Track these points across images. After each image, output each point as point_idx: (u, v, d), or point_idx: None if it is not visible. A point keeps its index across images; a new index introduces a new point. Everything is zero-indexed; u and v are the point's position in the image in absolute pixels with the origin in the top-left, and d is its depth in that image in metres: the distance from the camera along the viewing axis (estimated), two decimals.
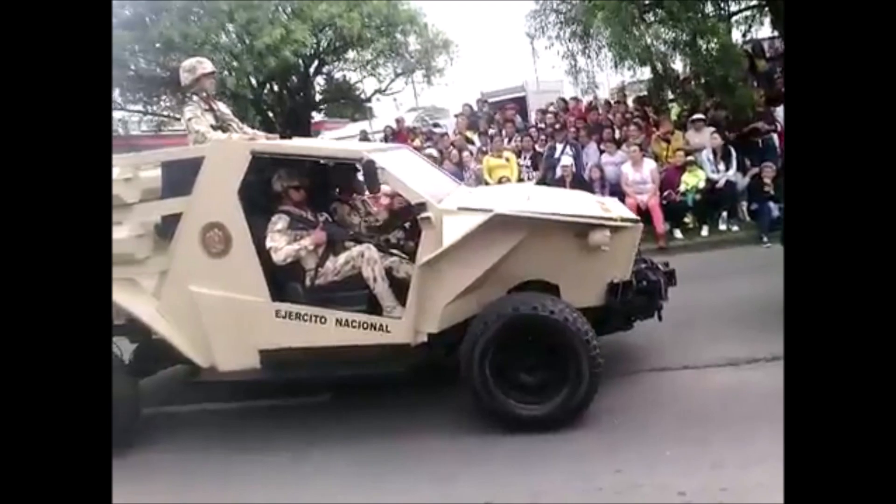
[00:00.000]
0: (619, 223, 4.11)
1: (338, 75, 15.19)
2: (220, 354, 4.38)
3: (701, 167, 9.44)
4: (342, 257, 4.38)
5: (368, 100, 15.27)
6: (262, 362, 4.36)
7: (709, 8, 9.85)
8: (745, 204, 9.43)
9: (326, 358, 4.30)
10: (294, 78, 14.18)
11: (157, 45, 13.26)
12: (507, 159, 10.34)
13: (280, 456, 4.25)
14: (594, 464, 3.64)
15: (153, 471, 4.29)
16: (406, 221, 4.72)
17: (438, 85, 14.58)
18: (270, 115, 14.53)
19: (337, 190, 5.11)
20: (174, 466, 4.32)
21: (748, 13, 10.73)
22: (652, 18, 9.93)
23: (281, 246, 4.31)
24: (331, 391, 5.01)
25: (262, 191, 4.52)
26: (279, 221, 4.37)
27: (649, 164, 9.58)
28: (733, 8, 10.47)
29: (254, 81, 14.18)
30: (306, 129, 14.39)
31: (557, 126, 11.11)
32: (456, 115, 12.45)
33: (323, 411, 4.87)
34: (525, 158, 10.64)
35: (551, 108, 12.23)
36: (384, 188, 4.66)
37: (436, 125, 13.27)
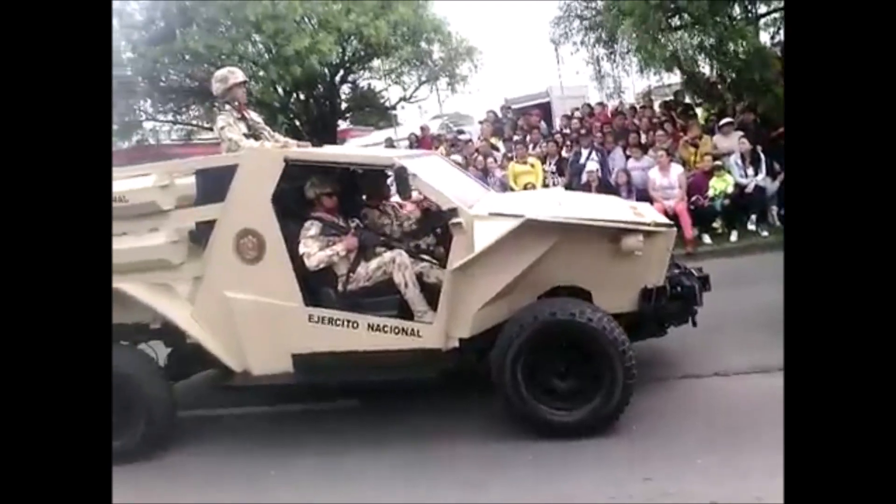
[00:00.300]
0: (652, 228, 4.08)
1: (363, 83, 15.32)
2: (254, 359, 4.43)
3: (729, 172, 9.35)
4: (374, 263, 4.41)
5: (393, 107, 15.36)
6: (294, 366, 4.39)
7: (736, 10, 9.74)
8: (774, 209, 9.31)
9: (358, 362, 4.32)
10: (320, 86, 14.30)
11: (186, 56, 13.48)
12: (532, 165, 10.32)
13: (309, 460, 4.27)
14: (623, 471, 3.61)
15: (185, 473, 4.36)
16: (437, 227, 4.72)
17: (462, 92, 14.61)
18: (297, 123, 14.66)
19: (367, 196, 5.14)
20: (206, 469, 4.37)
21: (776, 15, 10.61)
22: (678, 23, 9.87)
23: (314, 252, 4.34)
24: (360, 396, 5.03)
25: (294, 197, 4.56)
26: (312, 227, 4.41)
27: (676, 169, 9.51)
28: (761, 10, 10.35)
29: (280, 90, 14.34)
30: (332, 137, 14.51)
31: (583, 131, 11.07)
32: (480, 122, 12.46)
33: (353, 416, 4.90)
34: (550, 164, 10.61)
35: (576, 114, 12.19)
36: (414, 194, 4.68)
37: (460, 132, 13.30)
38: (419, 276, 4.44)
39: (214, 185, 4.47)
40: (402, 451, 4.21)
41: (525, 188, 9.58)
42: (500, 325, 4.12)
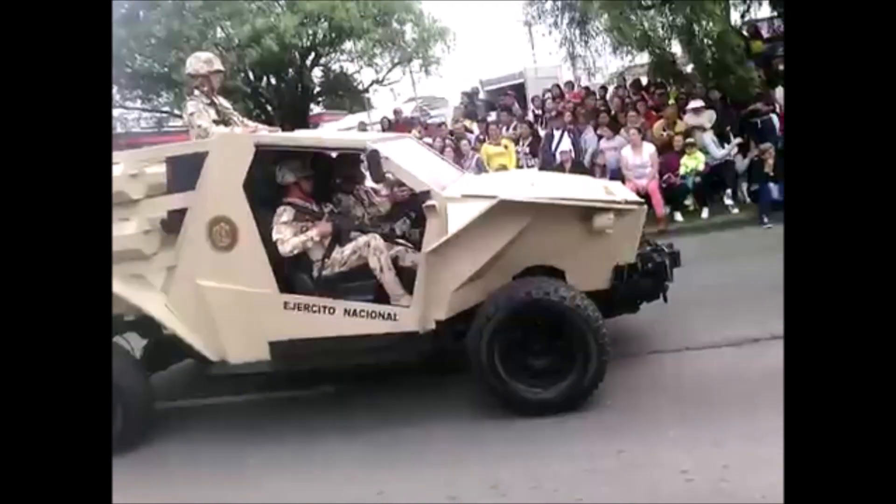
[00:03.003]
0: (623, 206, 4.13)
1: (335, 67, 15.14)
2: (231, 347, 4.41)
3: (702, 150, 9.46)
4: (348, 247, 4.40)
5: (366, 90, 15.23)
6: (271, 354, 4.39)
7: None
8: (745, 185, 9.45)
9: (335, 348, 4.32)
10: (290, 70, 14.14)
11: (153, 41, 13.25)
12: (506, 147, 10.32)
13: (286, 447, 4.28)
14: (597, 445, 3.67)
15: (164, 464, 4.34)
16: (410, 210, 4.73)
17: (436, 74, 14.53)
18: (269, 108, 14.51)
19: (340, 180, 5.12)
20: (185, 459, 4.36)
21: None
22: (649, 2, 9.90)
23: (287, 237, 4.33)
24: (335, 382, 5.04)
25: (266, 183, 4.53)
26: (284, 213, 4.39)
27: (649, 148, 9.59)
28: None
29: (251, 75, 14.18)
30: (304, 122, 14.38)
31: (555, 112, 11.10)
32: (457, 106, 12.43)
33: (328, 402, 4.91)
34: (524, 146, 10.63)
35: (548, 95, 12.20)
36: (387, 178, 4.67)
37: (427, 115, 13.19)
38: (394, 260, 4.45)
39: (185, 172, 4.42)
40: (376, 434, 4.23)
41: (499, 170, 9.59)
42: (476, 306, 4.15)
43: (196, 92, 4.83)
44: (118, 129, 14.83)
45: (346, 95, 15.87)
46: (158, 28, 12.89)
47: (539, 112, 11.74)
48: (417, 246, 4.54)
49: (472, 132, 11.43)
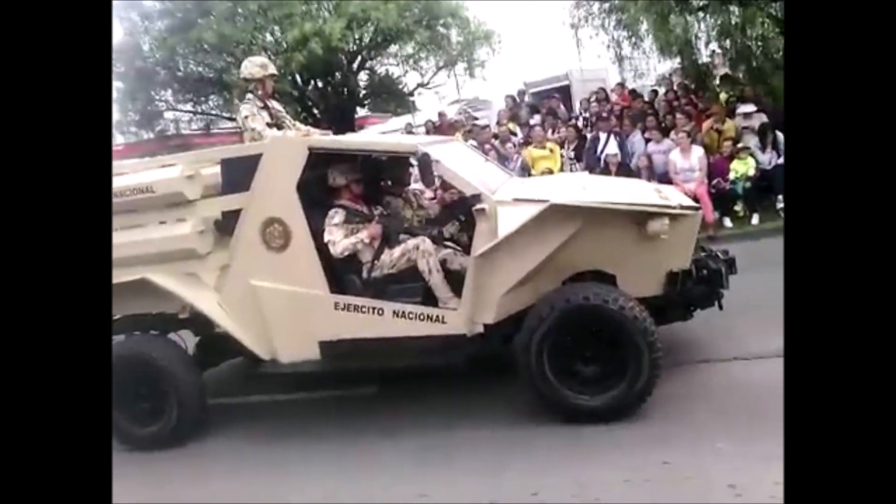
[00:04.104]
0: (677, 211, 4.04)
1: (380, 70, 15.26)
2: (281, 346, 4.46)
3: (752, 155, 9.22)
4: (397, 250, 4.41)
5: (411, 94, 15.31)
6: (321, 353, 4.42)
7: None
8: None
9: (384, 349, 4.34)
10: (337, 74, 14.29)
11: (204, 46, 13.55)
12: (551, 150, 10.21)
13: (330, 446, 4.30)
14: (642, 455, 3.60)
15: (212, 460, 4.43)
16: (460, 213, 4.71)
17: (481, 77, 14.51)
18: (315, 111, 14.69)
19: (389, 183, 5.14)
20: (231, 456, 4.43)
21: None
22: (697, 4, 9.70)
23: (338, 239, 4.36)
24: (377, 383, 5.05)
25: (318, 186, 4.57)
26: (336, 215, 4.42)
27: (697, 152, 9.38)
28: None
29: (299, 79, 14.38)
30: (350, 125, 14.51)
31: (602, 115, 10.95)
32: (501, 109, 12.36)
33: (371, 403, 4.92)
34: (569, 149, 10.51)
35: (594, 98, 12.05)
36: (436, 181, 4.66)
37: (474, 117, 13.15)
38: (443, 263, 4.44)
39: (239, 174, 4.49)
40: (420, 437, 4.23)
41: (544, 173, 9.50)
42: (525, 310, 4.11)
43: (250, 95, 4.90)
44: (171, 130, 15.23)
45: (390, 98, 15.98)
46: (210, 34, 13.18)
47: (585, 115, 11.59)
48: (466, 249, 4.53)
49: (516, 135, 11.35)
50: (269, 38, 14.14)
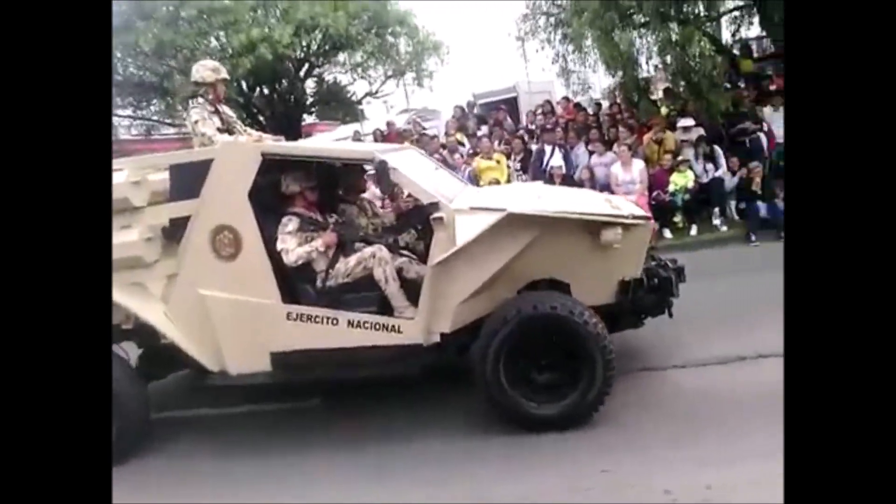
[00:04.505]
0: (630, 221, 4.11)
1: (328, 78, 15.10)
2: (231, 358, 4.33)
3: (691, 168, 9.52)
4: (353, 258, 4.34)
5: (359, 102, 15.21)
6: (272, 365, 4.31)
7: (699, 8, 9.88)
8: (733, 203, 9.51)
9: (338, 360, 4.26)
10: (284, 80, 14.08)
11: (146, 49, 13.15)
12: (498, 161, 10.30)
13: (274, 460, 4.19)
14: (584, 463, 3.64)
15: (157, 475, 4.24)
16: (416, 222, 4.68)
17: (429, 87, 14.53)
18: (261, 118, 14.44)
19: (343, 191, 5.07)
20: (176, 471, 4.26)
21: (737, 13, 10.78)
22: (642, 20, 9.95)
23: (292, 248, 4.26)
24: (321, 395, 4.95)
25: (271, 193, 4.47)
26: (290, 223, 4.32)
27: (638, 165, 9.64)
28: (722, 8, 10.50)
29: (244, 85, 14.11)
30: (297, 132, 14.29)
31: (547, 127, 11.12)
32: (449, 120, 12.41)
33: (317, 415, 4.81)
34: (515, 160, 10.62)
35: (540, 110, 12.24)
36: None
37: (422, 127, 13.18)
38: (399, 272, 4.39)
39: (189, 180, 4.34)
40: (360, 450, 4.16)
41: (491, 183, 9.56)
42: (480, 319, 4.11)
43: (201, 100, 4.76)
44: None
45: (339, 106, 15.82)
46: (151, 38, 12.80)
47: (532, 127, 11.75)
48: (422, 257, 4.50)
49: (463, 145, 11.41)
50: (213, 43, 13.82)
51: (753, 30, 11.07)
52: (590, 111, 11.74)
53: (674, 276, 4.51)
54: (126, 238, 4.29)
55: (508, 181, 9.98)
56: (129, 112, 14.74)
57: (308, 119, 16.45)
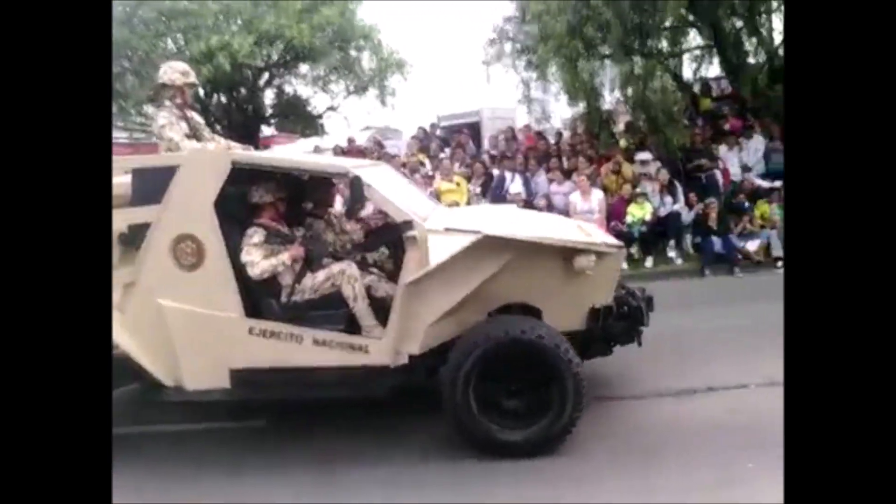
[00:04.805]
0: (604, 248, 4.12)
1: (289, 89, 14.89)
2: (189, 373, 4.13)
3: (649, 200, 9.71)
4: (321, 274, 4.22)
5: (320, 116, 15.04)
6: (232, 382, 4.14)
7: (663, 43, 10.17)
8: (688, 237, 9.74)
9: (301, 379, 4.12)
10: (243, 89, 13.82)
11: None
12: (458, 184, 10.32)
13: (219, 480, 4.01)
14: (535, 492, 3.60)
15: None
16: (387, 239, 4.59)
17: (391, 106, 14.48)
18: (218, 127, 14.14)
19: (312, 205, 4.94)
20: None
21: (698, 52, 11.12)
22: (606, 51, 10.15)
23: (257, 260, 4.12)
24: (266, 415, 4.81)
25: (236, 203, 4.32)
26: (255, 235, 4.18)
27: (597, 195, 9.80)
28: (685, 45, 10.82)
29: (201, 92, 13.80)
30: (255, 143, 14.03)
31: (508, 154, 11.21)
32: (412, 137, 12.39)
33: (264, 435, 4.65)
34: (475, 184, 10.65)
35: (502, 136, 12.34)
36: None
37: (381, 146, 13.14)
38: (367, 290, 4.29)
39: (151, 185, 4.17)
40: (313, 472, 4.02)
41: (450, 205, 9.53)
42: (448, 342, 4.04)
43: (167, 103, 4.59)
44: None
45: (298, 119, 15.62)
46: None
47: (493, 153, 11.83)
48: (391, 276, 4.42)
49: (424, 166, 11.39)
50: (170, 46, 13.50)
51: (713, 69, 11.42)
52: (551, 140, 11.89)
53: (644, 304, 4.54)
54: None
55: (468, 204, 9.99)
56: None
57: (267, 131, 16.18)
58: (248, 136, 13.83)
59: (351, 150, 12.25)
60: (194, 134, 4.62)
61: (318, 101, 14.97)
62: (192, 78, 4.68)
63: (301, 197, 4.86)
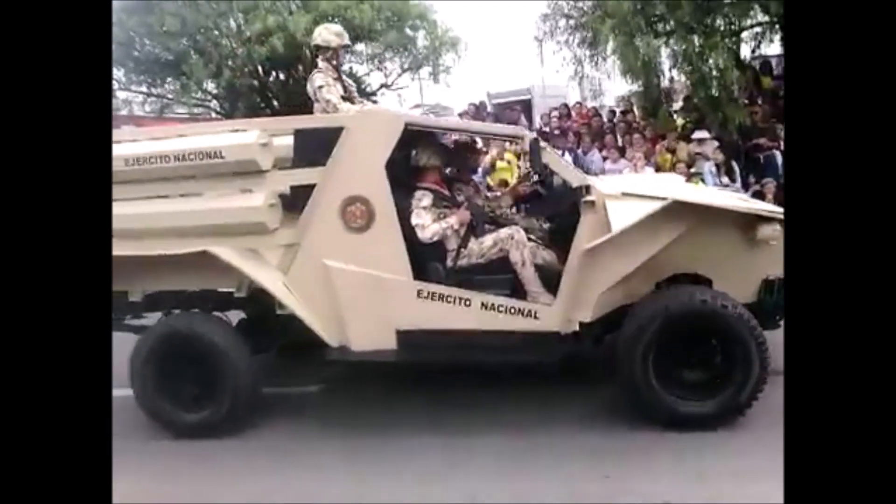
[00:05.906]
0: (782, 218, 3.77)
1: (345, 67, 14.31)
2: (355, 333, 3.82)
3: (703, 180, 9.32)
4: (489, 238, 3.88)
5: (374, 94, 14.50)
6: (398, 343, 3.83)
7: (718, 22, 9.66)
8: None
9: (467, 342, 3.81)
10: (300, 68, 13.30)
11: (163, 28, 12.26)
12: (509, 161, 9.90)
13: (264, 447, 3.79)
14: (584, 467, 3.34)
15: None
16: (560, 205, 4.22)
17: (445, 83, 13.89)
18: (275, 104, 13.68)
19: (458, 171, 4.59)
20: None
21: (758, 30, 10.61)
22: (662, 29, 9.68)
23: (427, 223, 3.79)
24: (321, 383, 4.59)
25: (403, 166, 3.97)
26: (424, 198, 3.85)
27: (652, 174, 9.39)
28: (744, 23, 10.30)
29: (260, 70, 13.32)
30: None
31: (559, 131, 10.76)
32: (461, 114, 11.93)
33: (314, 401, 4.43)
34: (525, 161, 10.22)
35: (554, 113, 11.88)
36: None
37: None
38: None
39: (314, 147, 3.84)
40: (354, 442, 3.78)
41: (500, 184, 9.14)
42: (618, 309, 3.72)
43: (324, 65, 4.21)
44: (123, 111, 13.72)
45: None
46: (172, 19, 11.95)
47: (545, 129, 11.38)
48: (546, 242, 4.10)
49: (476, 143, 10.93)
50: (232, 25, 13.00)
51: (773, 48, 10.86)
52: (604, 117, 11.45)
53: None
54: (250, 203, 3.77)
55: (518, 181, 9.56)
56: (143, 89, 13.72)
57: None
58: (303, 113, 13.37)
59: None
60: (348, 97, 4.25)
61: (372, 79, 14.39)
62: (346, 39, 4.31)
63: (448, 163, 4.49)
